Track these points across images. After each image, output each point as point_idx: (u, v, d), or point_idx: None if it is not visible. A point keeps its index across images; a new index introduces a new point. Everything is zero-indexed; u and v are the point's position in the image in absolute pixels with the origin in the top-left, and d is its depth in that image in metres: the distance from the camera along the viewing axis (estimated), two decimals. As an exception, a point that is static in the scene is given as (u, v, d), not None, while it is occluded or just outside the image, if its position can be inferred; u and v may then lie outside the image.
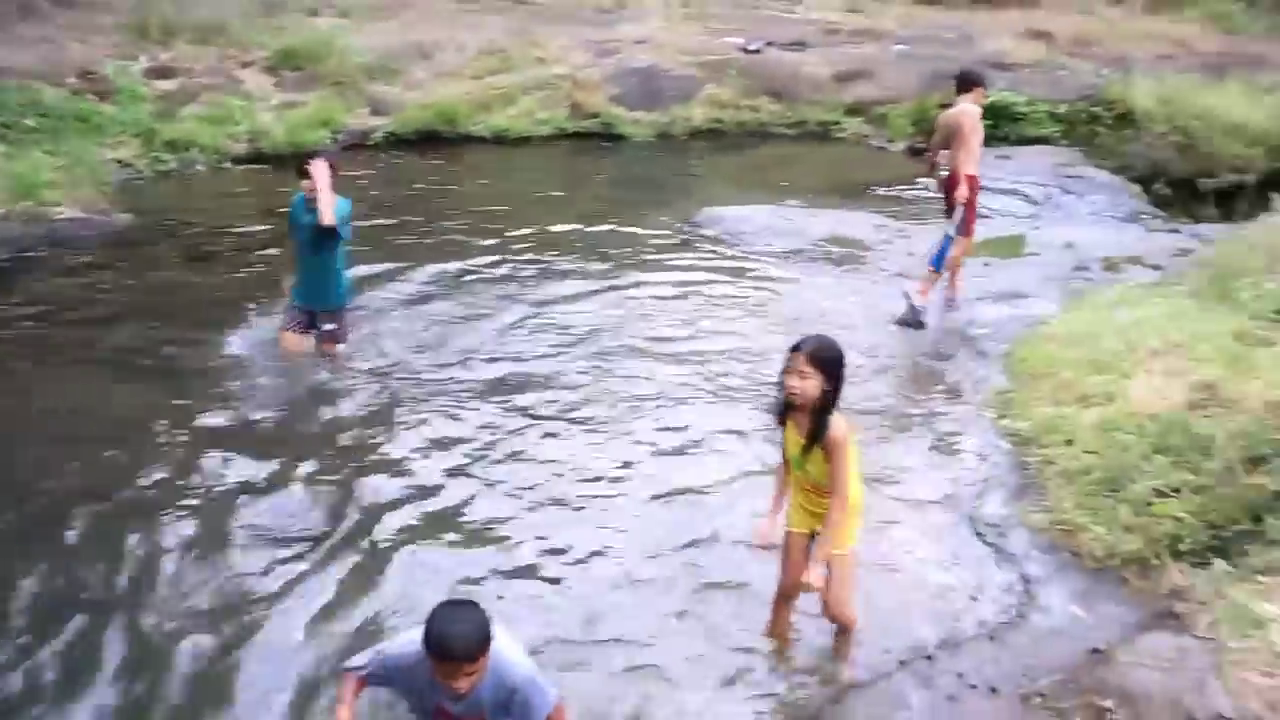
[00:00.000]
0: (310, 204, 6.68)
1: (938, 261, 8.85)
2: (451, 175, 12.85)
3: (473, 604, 3.31)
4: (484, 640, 3.21)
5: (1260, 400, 5.76)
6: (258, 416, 6.60)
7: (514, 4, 18.20)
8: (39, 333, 7.67)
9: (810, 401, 4.18)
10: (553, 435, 6.60)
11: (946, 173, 8.82)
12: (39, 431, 6.30)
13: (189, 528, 5.38)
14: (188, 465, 5.95)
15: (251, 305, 8.02)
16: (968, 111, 8.69)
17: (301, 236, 6.89)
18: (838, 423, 4.21)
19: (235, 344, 7.47)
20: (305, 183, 6.65)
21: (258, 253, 9.50)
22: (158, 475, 5.85)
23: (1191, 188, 14.72)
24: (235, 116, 12.73)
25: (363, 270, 8.71)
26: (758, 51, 16.52)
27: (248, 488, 5.79)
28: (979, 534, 5.77)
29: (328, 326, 7.12)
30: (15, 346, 7.44)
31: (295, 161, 6.91)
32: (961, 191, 8.66)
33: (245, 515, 5.53)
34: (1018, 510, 5.91)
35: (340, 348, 7.23)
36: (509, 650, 3.47)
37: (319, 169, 6.59)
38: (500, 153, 13.85)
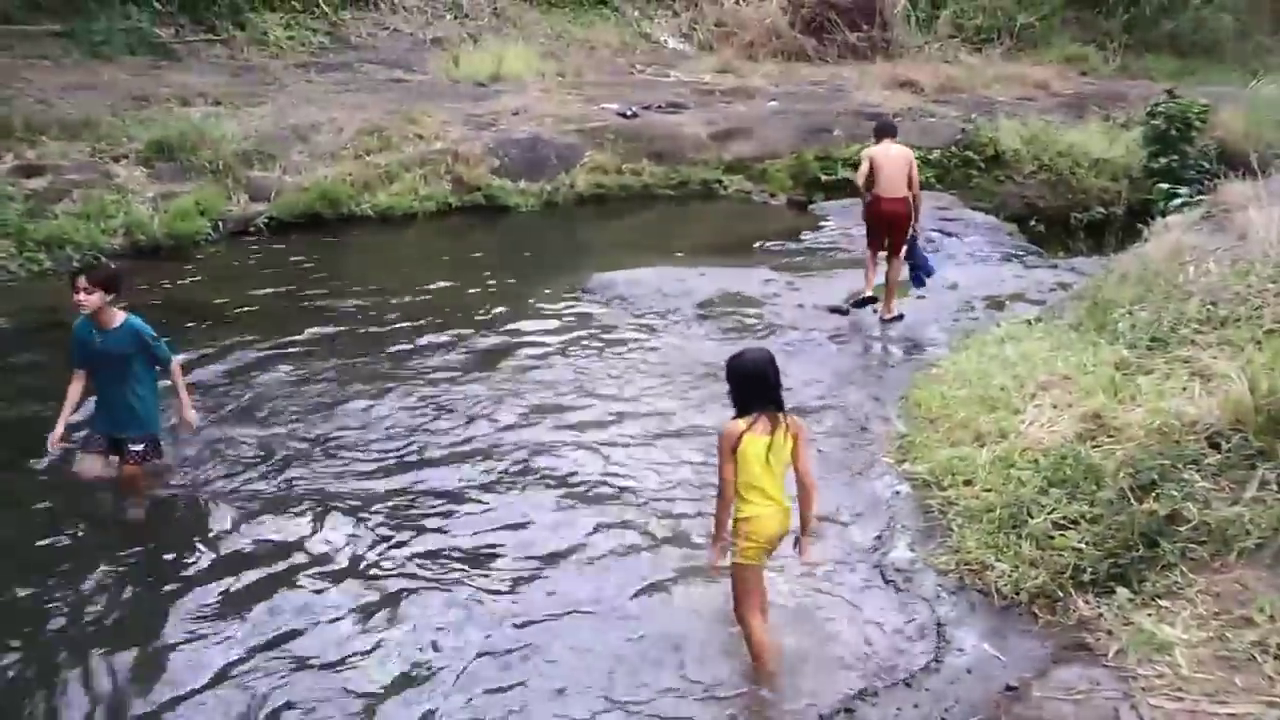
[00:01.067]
0: (98, 325, 6.21)
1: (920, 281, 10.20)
2: (335, 256, 12.67)
3: None
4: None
5: (1143, 428, 5.93)
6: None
7: (389, 83, 18.21)
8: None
9: None
10: (443, 513, 6.50)
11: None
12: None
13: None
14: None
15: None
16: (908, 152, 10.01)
17: (94, 361, 6.34)
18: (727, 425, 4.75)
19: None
20: (78, 298, 6.10)
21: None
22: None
23: (1064, 223, 15.33)
24: (110, 211, 12.37)
25: (246, 356, 8.79)
26: (635, 116, 16.77)
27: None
28: (889, 580, 5.79)
29: (135, 448, 6.42)
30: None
31: (71, 278, 6.23)
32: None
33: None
34: (924, 554, 5.96)
35: (143, 468, 6.54)
36: None
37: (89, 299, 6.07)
38: (385, 231, 13.73)
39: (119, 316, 6.27)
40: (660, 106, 17.39)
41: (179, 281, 11.31)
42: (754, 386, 4.73)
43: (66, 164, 13.17)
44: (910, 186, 9.76)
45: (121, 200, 12.69)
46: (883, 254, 10.03)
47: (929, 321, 10.06)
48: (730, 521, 4.78)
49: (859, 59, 21.84)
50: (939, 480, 6.56)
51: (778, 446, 4.68)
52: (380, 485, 6.79)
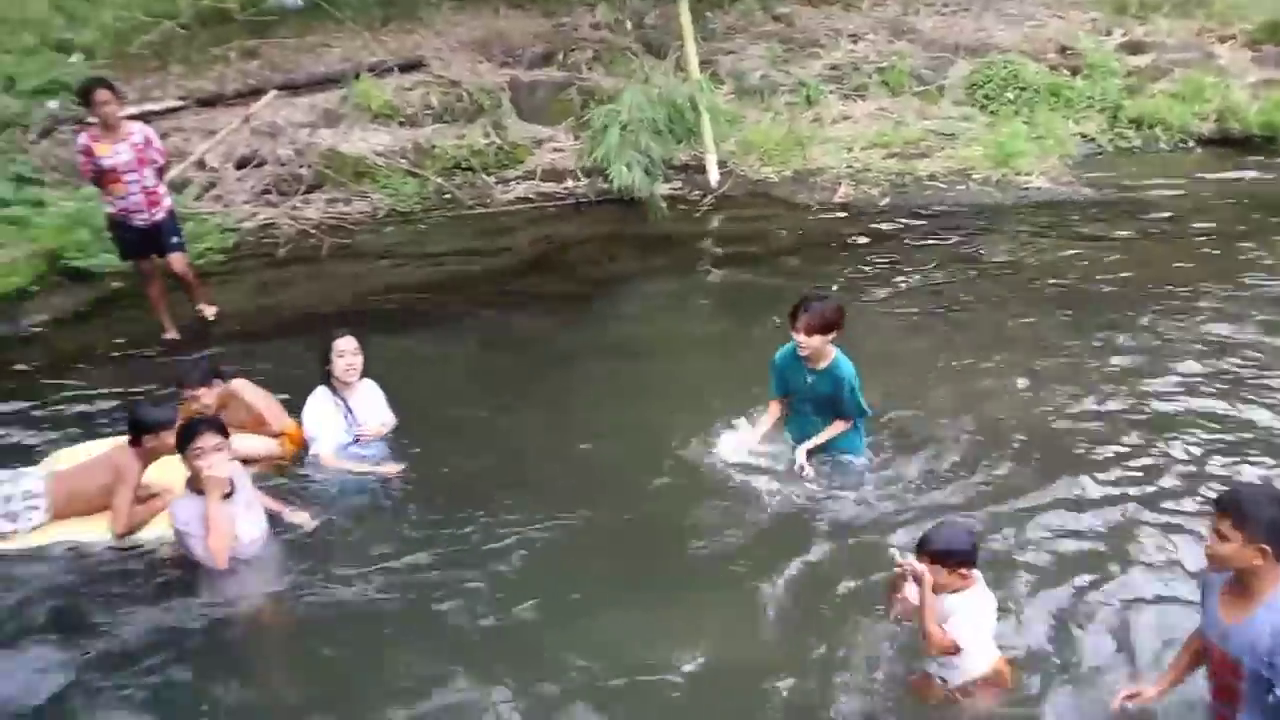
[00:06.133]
0: (807, 362, 5.28)
1: None
2: None
3: None
4: None
5: None
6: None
7: None
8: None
9: None
10: None
11: None
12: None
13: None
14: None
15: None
16: None
17: (795, 390, 5.47)
18: None
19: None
20: (799, 338, 5.15)
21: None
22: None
23: None
24: (1205, 94, 12.10)
25: None
26: None
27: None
28: None
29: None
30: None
31: (791, 312, 5.20)
32: None
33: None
34: None
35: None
36: None
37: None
38: None
39: (831, 354, 5.31)
40: None
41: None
42: None
43: (1171, 42, 13.12)
44: None
45: (1219, 84, 12.30)
46: None
47: None
48: None
49: None
50: None
51: None
52: None
